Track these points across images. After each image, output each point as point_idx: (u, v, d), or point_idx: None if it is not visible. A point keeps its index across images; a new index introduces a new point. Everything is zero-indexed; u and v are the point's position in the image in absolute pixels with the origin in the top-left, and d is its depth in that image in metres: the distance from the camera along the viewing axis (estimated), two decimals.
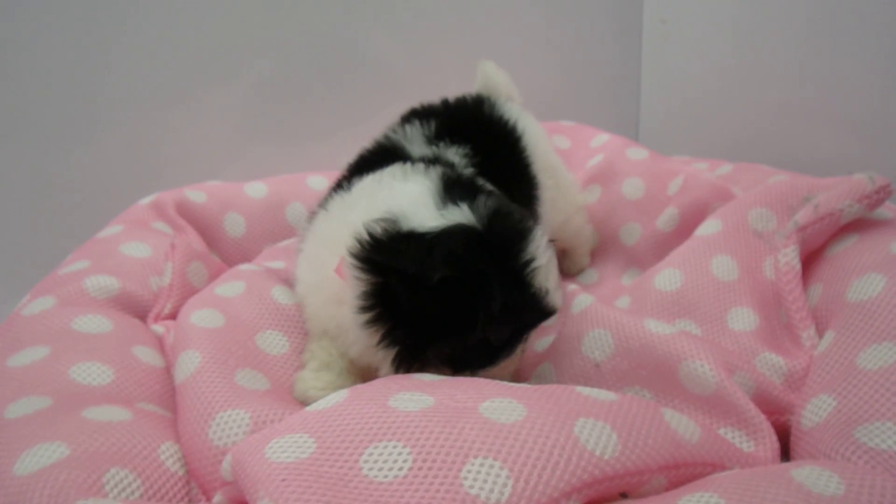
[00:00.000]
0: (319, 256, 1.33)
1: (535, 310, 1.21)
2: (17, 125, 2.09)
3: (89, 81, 2.14)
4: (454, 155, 1.53)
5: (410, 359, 1.21)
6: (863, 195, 1.39)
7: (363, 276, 1.18)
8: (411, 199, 1.25)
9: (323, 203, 1.47)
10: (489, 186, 1.39)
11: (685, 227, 1.76)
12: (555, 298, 1.23)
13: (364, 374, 1.33)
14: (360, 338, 1.23)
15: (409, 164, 1.40)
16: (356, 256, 1.18)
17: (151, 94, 2.22)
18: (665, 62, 2.79)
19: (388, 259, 1.17)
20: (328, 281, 1.28)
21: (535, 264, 1.19)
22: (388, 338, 1.20)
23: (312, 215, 1.47)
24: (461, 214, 1.20)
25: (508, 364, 1.30)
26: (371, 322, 1.19)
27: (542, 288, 1.20)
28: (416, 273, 1.14)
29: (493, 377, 1.17)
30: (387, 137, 1.62)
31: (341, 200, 1.40)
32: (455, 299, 1.15)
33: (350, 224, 1.23)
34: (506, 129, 1.70)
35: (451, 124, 1.62)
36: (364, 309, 1.19)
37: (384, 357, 1.22)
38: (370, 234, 1.19)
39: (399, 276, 1.16)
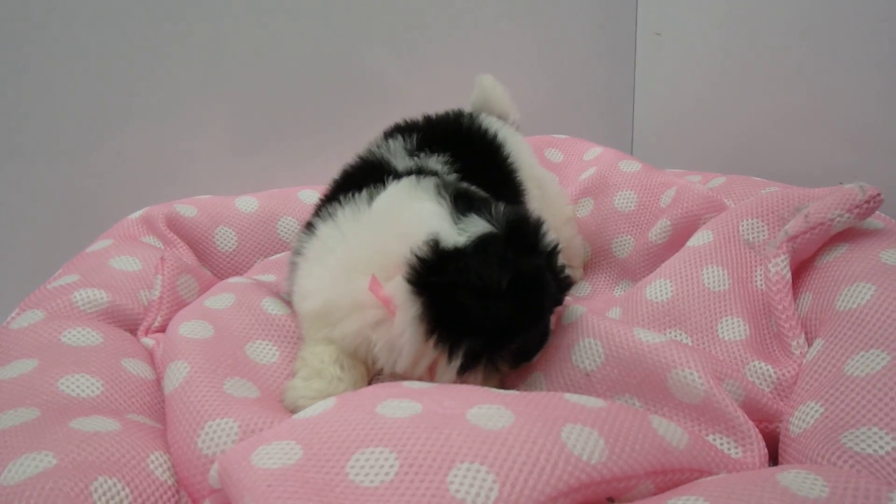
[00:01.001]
0: (341, 278, 1.35)
1: (564, 287, 1.36)
2: (6, 139, 2.09)
3: (79, 95, 2.14)
4: (435, 163, 1.57)
5: (479, 363, 1.29)
6: (853, 205, 1.39)
7: (424, 298, 1.23)
8: (435, 218, 1.30)
9: (321, 213, 1.48)
10: (481, 192, 1.45)
11: (677, 239, 1.76)
12: (573, 270, 1.36)
13: (356, 381, 1.35)
14: (412, 355, 1.27)
15: (414, 180, 1.43)
16: (413, 281, 1.23)
17: (142, 108, 2.23)
18: (659, 75, 2.80)
19: (452, 276, 1.22)
20: (364, 305, 1.31)
21: (552, 243, 1.32)
22: (457, 350, 1.25)
23: (309, 228, 1.48)
24: (478, 225, 1.27)
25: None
26: (438, 340, 1.24)
27: (564, 265, 1.36)
28: (483, 284, 1.20)
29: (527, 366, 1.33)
30: (370, 152, 1.65)
31: (356, 220, 1.40)
32: (522, 297, 1.23)
33: (379, 245, 1.31)
34: (485, 138, 1.74)
35: (432, 136, 1.66)
36: (428, 330, 1.24)
37: (449, 370, 1.27)
38: (420, 258, 1.24)
39: (468, 290, 1.21)
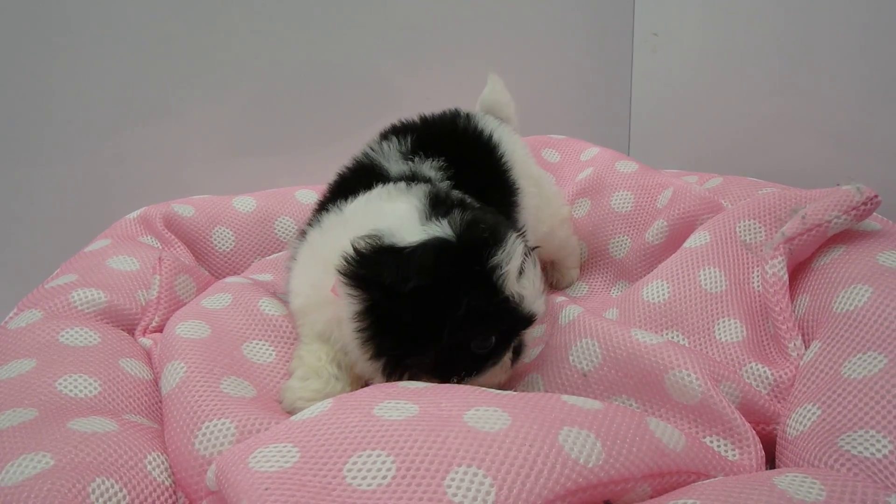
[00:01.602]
0: (316, 276, 1.36)
1: (507, 315, 1.23)
2: (4, 140, 2.09)
3: (77, 95, 2.14)
4: (429, 169, 1.56)
5: (396, 368, 1.26)
6: (850, 206, 1.38)
7: (353, 292, 1.23)
8: (398, 217, 1.30)
9: (312, 221, 1.50)
10: (475, 203, 1.43)
11: (674, 240, 1.76)
12: (533, 305, 1.25)
13: (353, 382, 1.36)
14: (358, 353, 1.28)
15: (394, 185, 1.44)
16: (344, 273, 1.23)
17: (140, 107, 2.23)
18: (656, 75, 2.80)
19: (370, 273, 1.22)
20: (327, 302, 1.32)
21: (505, 269, 1.21)
22: (378, 350, 1.25)
23: (302, 234, 1.50)
24: (440, 228, 1.25)
25: (497, 373, 1.33)
26: (365, 339, 1.24)
27: (515, 293, 1.23)
28: (391, 284, 1.19)
29: (482, 385, 1.19)
30: (365, 155, 1.65)
31: (335, 219, 1.42)
32: (426, 307, 1.20)
33: (343, 242, 1.27)
34: (480, 139, 1.73)
35: (427, 139, 1.65)
36: (359, 327, 1.24)
37: (375, 369, 1.27)
38: (355, 250, 1.23)
39: (379, 289, 1.21)
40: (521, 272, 1.24)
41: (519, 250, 1.24)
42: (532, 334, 1.32)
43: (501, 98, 1.99)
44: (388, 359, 1.25)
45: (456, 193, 1.44)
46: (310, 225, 1.49)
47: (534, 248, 1.35)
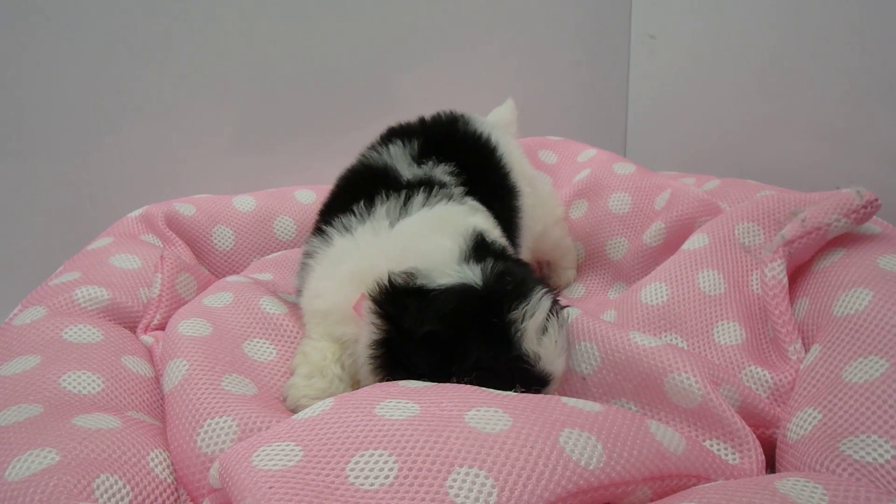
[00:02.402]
0: (344, 288, 1.37)
1: (519, 372, 1.20)
2: (6, 138, 2.09)
3: (79, 95, 2.14)
4: (443, 174, 1.57)
5: None
6: (850, 210, 1.38)
7: (376, 321, 1.25)
8: (437, 255, 1.31)
9: (335, 224, 1.48)
10: (514, 255, 1.45)
11: (672, 242, 1.76)
12: (550, 365, 1.22)
13: (355, 384, 1.37)
14: (370, 377, 1.28)
15: (443, 207, 1.46)
16: (374, 301, 1.25)
17: (141, 107, 2.23)
18: (652, 77, 2.80)
19: (395, 311, 1.23)
20: (352, 318, 1.33)
21: (523, 325, 1.19)
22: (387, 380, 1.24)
23: (321, 234, 1.49)
24: (471, 275, 1.25)
25: None
26: (377, 366, 1.25)
27: (531, 351, 1.20)
28: (409, 327, 1.20)
29: None
30: (372, 158, 1.64)
31: (374, 236, 1.42)
32: (437, 354, 1.20)
33: (381, 264, 1.30)
34: (480, 143, 1.74)
35: (433, 143, 1.65)
36: (373, 354, 1.25)
37: None
38: (390, 283, 1.26)
39: (398, 328, 1.23)
40: (543, 330, 1.21)
41: (544, 307, 1.22)
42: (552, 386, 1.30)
43: (512, 118, 2.04)
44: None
45: (499, 241, 1.44)
46: (332, 226, 1.48)
47: (563, 307, 1.32)
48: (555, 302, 1.27)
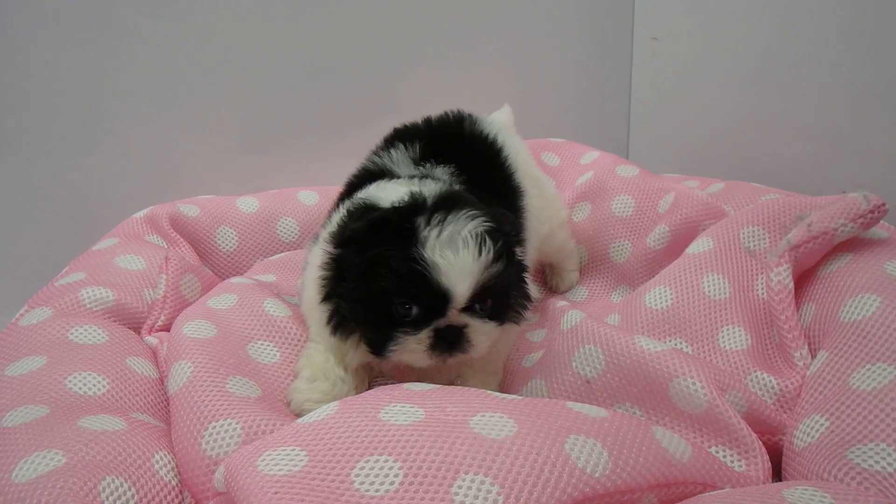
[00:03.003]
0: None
1: (414, 278, 1.22)
2: (13, 138, 2.10)
3: (85, 96, 2.15)
4: (441, 174, 1.57)
5: (335, 316, 1.34)
6: (857, 214, 1.37)
7: (326, 248, 1.34)
8: (400, 192, 1.34)
9: (325, 223, 1.52)
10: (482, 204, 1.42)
11: (676, 246, 1.75)
12: (444, 277, 1.22)
13: (359, 385, 1.37)
14: (314, 300, 1.37)
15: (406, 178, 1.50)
16: (331, 233, 1.34)
17: (146, 108, 2.23)
18: (655, 79, 2.80)
19: (341, 228, 1.32)
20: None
21: (427, 231, 1.22)
22: (325, 293, 1.35)
23: (317, 237, 1.52)
24: (416, 195, 1.31)
25: (417, 351, 1.29)
26: (321, 285, 1.35)
27: (429, 257, 1.21)
28: (341, 233, 1.31)
29: (411, 363, 1.29)
30: (373, 162, 1.65)
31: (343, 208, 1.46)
32: (359, 255, 1.27)
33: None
34: (486, 143, 1.73)
35: (435, 144, 1.66)
36: (320, 275, 1.35)
37: (322, 321, 1.36)
38: (347, 210, 1.34)
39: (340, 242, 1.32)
40: (450, 242, 1.22)
41: (460, 225, 1.23)
42: (517, 334, 1.37)
43: (508, 123, 2.01)
44: (333, 306, 1.32)
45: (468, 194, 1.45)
46: (323, 227, 1.51)
47: (497, 235, 1.29)
48: (488, 232, 1.25)
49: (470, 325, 1.27)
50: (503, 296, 1.33)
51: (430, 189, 1.33)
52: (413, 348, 1.28)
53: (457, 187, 1.49)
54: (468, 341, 1.29)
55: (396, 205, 1.28)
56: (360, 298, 1.28)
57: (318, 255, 1.37)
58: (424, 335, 1.27)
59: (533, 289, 1.46)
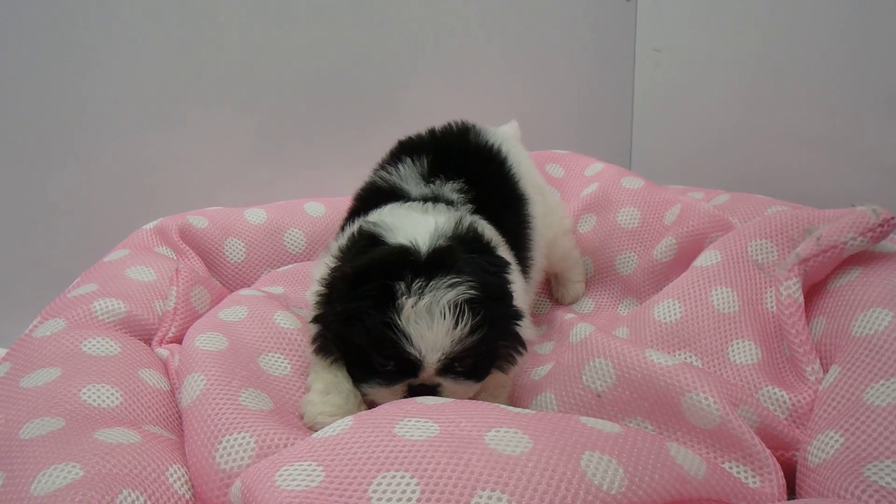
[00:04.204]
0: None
1: (386, 343, 1.22)
2: (21, 151, 2.10)
3: (94, 107, 2.15)
4: (451, 192, 1.58)
5: (321, 338, 1.35)
6: (866, 228, 1.36)
7: (328, 261, 1.34)
8: (413, 223, 1.35)
9: (337, 236, 1.55)
10: (502, 253, 1.43)
11: (683, 258, 1.75)
12: (419, 350, 1.22)
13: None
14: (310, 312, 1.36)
15: (423, 203, 1.51)
16: (339, 248, 1.35)
17: (156, 119, 2.24)
18: (658, 91, 2.80)
19: (345, 253, 1.33)
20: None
21: (404, 297, 1.21)
22: (317, 314, 1.36)
23: (328, 249, 1.53)
24: (420, 243, 1.29)
25: (386, 398, 1.28)
26: (315, 301, 1.35)
27: (402, 325, 1.21)
28: (342, 265, 1.30)
29: (381, 399, 1.27)
30: (381, 178, 1.66)
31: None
32: (340, 293, 1.28)
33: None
34: (491, 154, 1.74)
35: (442, 159, 1.67)
36: (317, 290, 1.34)
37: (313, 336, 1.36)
38: (358, 230, 1.35)
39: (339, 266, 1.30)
40: (426, 312, 1.21)
41: (440, 294, 1.21)
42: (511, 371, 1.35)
43: (515, 136, 2.03)
44: (321, 327, 1.32)
45: (493, 237, 1.46)
46: (335, 240, 1.53)
47: (480, 308, 1.26)
48: (472, 303, 1.23)
49: (443, 386, 1.28)
50: (483, 358, 1.32)
51: (431, 233, 1.32)
52: (387, 397, 1.28)
53: (467, 217, 1.48)
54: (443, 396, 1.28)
55: (389, 253, 1.28)
56: (341, 336, 1.29)
57: (321, 268, 1.38)
58: (398, 388, 1.29)
59: (531, 331, 1.45)
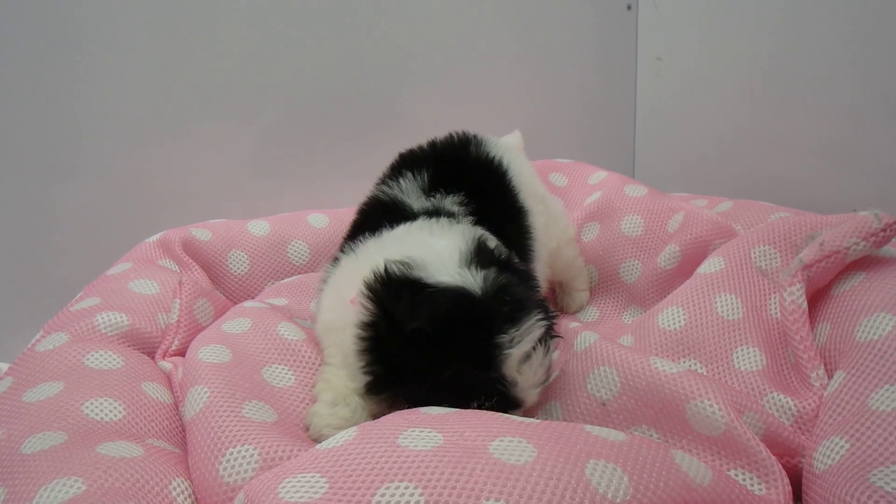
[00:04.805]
0: (346, 292, 1.36)
1: (492, 392, 1.21)
2: (24, 163, 2.10)
3: (97, 121, 2.16)
4: (451, 204, 1.58)
5: (381, 389, 1.28)
6: (869, 233, 1.37)
7: (366, 304, 1.25)
8: (438, 252, 1.32)
9: (345, 248, 1.53)
10: (520, 265, 1.44)
11: (686, 265, 1.75)
12: (524, 393, 1.23)
13: (378, 410, 1.35)
14: (354, 359, 1.29)
15: (438, 219, 1.49)
16: (366, 286, 1.26)
17: (158, 133, 2.24)
18: (660, 99, 2.81)
19: (388, 298, 1.24)
20: (345, 309, 1.33)
21: (508, 350, 1.19)
22: (369, 366, 1.26)
23: (335, 260, 1.54)
24: (472, 280, 1.24)
25: None
26: (361, 350, 1.27)
27: (509, 377, 1.21)
28: (399, 318, 1.21)
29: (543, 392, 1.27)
30: (383, 192, 1.66)
31: (372, 244, 1.46)
32: (421, 352, 1.20)
33: (376, 263, 1.30)
34: (492, 167, 1.74)
35: (442, 171, 1.67)
36: (360, 335, 1.26)
37: (363, 381, 1.29)
38: (386, 271, 1.26)
39: (387, 317, 1.23)
40: (526, 358, 1.22)
41: (534, 335, 1.22)
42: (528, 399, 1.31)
43: (517, 146, 2.03)
44: (375, 378, 1.27)
45: (503, 249, 1.45)
46: (343, 252, 1.53)
47: (553, 336, 1.33)
48: (547, 330, 1.27)
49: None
50: None
51: (460, 257, 1.31)
52: None
53: (477, 231, 1.49)
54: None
55: (452, 302, 1.23)
56: (408, 382, 1.25)
57: (354, 314, 1.31)
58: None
59: None
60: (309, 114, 2.41)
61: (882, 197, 1.99)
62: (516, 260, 1.47)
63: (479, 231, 1.47)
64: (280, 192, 2.42)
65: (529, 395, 1.24)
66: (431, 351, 1.20)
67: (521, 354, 1.20)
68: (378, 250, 1.39)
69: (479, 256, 1.32)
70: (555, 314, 1.34)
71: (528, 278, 1.38)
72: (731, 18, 2.41)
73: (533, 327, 1.22)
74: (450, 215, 1.54)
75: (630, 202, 2.07)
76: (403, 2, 2.45)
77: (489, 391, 1.20)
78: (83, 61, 2.10)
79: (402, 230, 1.46)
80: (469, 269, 1.27)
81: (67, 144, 2.13)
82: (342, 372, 1.39)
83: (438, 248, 1.34)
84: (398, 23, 2.45)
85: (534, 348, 1.22)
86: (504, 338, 1.19)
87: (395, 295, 1.23)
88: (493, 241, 1.47)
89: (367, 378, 1.27)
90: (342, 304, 1.37)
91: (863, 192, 2.06)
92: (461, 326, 1.20)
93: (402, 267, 1.27)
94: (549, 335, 1.28)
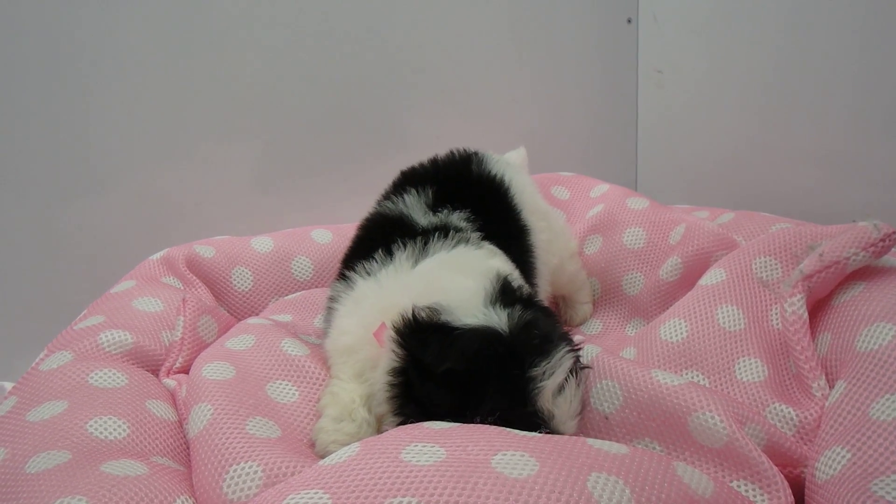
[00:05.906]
0: (368, 320, 1.38)
1: (531, 426, 1.19)
2: (28, 182, 2.11)
3: (101, 140, 2.17)
4: (459, 220, 1.60)
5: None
6: (868, 243, 1.38)
7: (396, 350, 1.26)
8: (462, 295, 1.32)
9: (358, 270, 1.51)
10: (541, 302, 1.44)
11: (689, 277, 1.76)
12: (563, 425, 1.23)
13: (381, 425, 1.36)
14: (384, 403, 1.29)
15: (465, 250, 1.50)
16: (396, 331, 1.27)
17: (160, 150, 2.25)
18: (661, 112, 2.81)
19: (416, 344, 1.24)
20: (371, 343, 1.36)
21: (542, 383, 1.20)
22: (400, 409, 1.27)
23: (345, 280, 1.53)
24: (497, 319, 1.25)
25: None
26: (392, 395, 1.27)
27: (546, 410, 1.21)
28: (429, 362, 1.21)
29: None
30: (387, 207, 1.67)
31: (396, 276, 1.45)
32: (453, 393, 1.21)
33: (405, 302, 1.31)
34: (494, 184, 1.75)
35: (446, 188, 1.68)
36: (391, 381, 1.27)
37: (394, 424, 1.27)
38: (414, 317, 1.27)
39: (416, 361, 1.24)
40: (560, 389, 1.22)
41: (565, 366, 1.23)
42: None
43: (522, 164, 2.06)
44: (405, 421, 1.26)
45: (526, 288, 1.45)
46: (354, 271, 1.51)
47: (583, 367, 1.33)
48: (576, 361, 1.27)
49: None
50: None
51: (484, 298, 1.32)
52: None
53: (485, 244, 1.53)
54: None
55: (481, 327, 1.25)
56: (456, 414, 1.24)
57: (376, 347, 1.34)
58: None
59: None
60: (312, 130, 2.42)
61: (881, 207, 1.99)
62: (519, 277, 1.49)
63: (500, 266, 1.47)
64: (283, 208, 2.43)
65: (568, 427, 1.24)
66: (465, 389, 1.21)
67: (554, 386, 1.21)
68: (403, 290, 1.39)
69: (504, 295, 1.32)
70: (581, 346, 1.35)
71: (549, 314, 1.38)
72: (730, 31, 2.42)
73: (563, 359, 1.23)
74: (457, 230, 1.55)
75: (632, 215, 2.07)
76: (406, 20, 2.46)
77: (527, 425, 1.18)
78: (89, 82, 2.11)
79: (427, 267, 1.45)
80: (494, 308, 1.28)
81: (71, 163, 2.14)
82: (350, 385, 1.39)
83: (464, 289, 1.34)
84: (401, 40, 2.46)
85: (566, 379, 1.22)
86: (537, 370, 1.20)
87: (423, 342, 1.25)
88: (513, 275, 1.47)
89: (399, 420, 1.27)
90: (363, 331, 1.39)
91: (862, 203, 2.06)
92: (492, 363, 1.21)
93: (429, 312, 1.28)
94: (578, 366, 1.29)
